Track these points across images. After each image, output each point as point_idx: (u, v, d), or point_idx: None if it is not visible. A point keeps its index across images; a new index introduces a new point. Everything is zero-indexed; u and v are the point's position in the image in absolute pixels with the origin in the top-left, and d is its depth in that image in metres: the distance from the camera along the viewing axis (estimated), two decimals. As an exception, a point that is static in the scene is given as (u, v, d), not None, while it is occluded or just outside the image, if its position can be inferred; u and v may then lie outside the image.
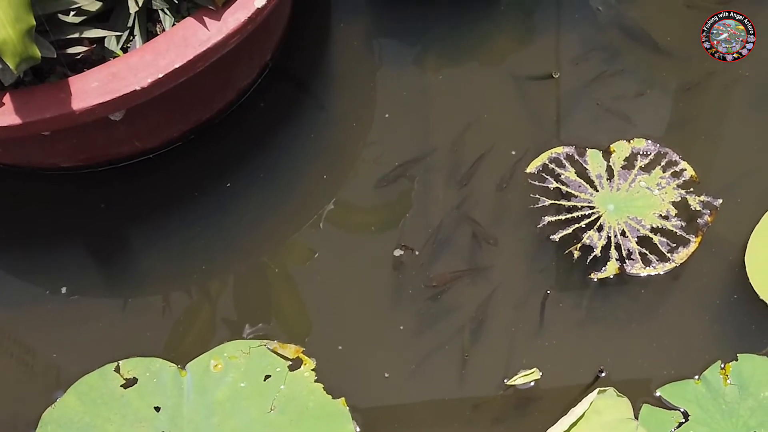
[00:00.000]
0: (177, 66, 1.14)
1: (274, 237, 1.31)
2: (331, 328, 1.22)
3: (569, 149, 1.32)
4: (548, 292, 1.23)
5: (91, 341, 1.23)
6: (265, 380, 1.17)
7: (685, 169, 1.30)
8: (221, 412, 1.15)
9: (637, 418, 1.12)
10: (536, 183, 1.30)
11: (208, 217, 1.31)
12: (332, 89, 1.43)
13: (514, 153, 1.34)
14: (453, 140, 1.36)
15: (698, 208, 1.27)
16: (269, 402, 1.15)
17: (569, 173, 1.30)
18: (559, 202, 1.28)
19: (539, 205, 1.28)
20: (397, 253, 1.26)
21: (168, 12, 1.20)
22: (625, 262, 1.23)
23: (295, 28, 1.47)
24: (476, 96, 1.40)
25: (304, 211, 1.32)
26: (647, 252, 1.23)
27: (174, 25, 1.19)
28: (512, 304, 1.22)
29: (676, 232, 1.25)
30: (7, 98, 1.12)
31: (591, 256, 1.23)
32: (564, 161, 1.32)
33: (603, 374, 1.17)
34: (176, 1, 1.20)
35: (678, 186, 1.28)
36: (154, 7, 1.20)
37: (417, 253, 1.27)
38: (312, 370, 1.17)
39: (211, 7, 1.17)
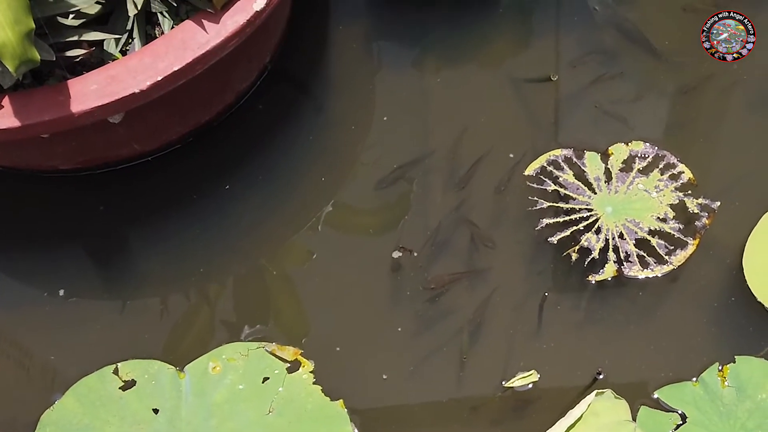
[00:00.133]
0: (176, 69, 1.14)
1: (272, 239, 1.31)
2: (330, 330, 1.22)
3: (567, 152, 1.33)
4: (546, 294, 1.23)
5: (89, 343, 1.23)
6: (263, 382, 1.17)
7: (683, 172, 1.30)
8: (220, 414, 1.15)
9: (634, 420, 1.12)
10: (534, 185, 1.30)
11: (207, 219, 1.31)
12: (331, 91, 1.43)
13: (512, 155, 1.34)
14: (452, 142, 1.36)
15: (696, 211, 1.27)
16: (268, 404, 1.15)
17: (567, 176, 1.30)
18: (557, 205, 1.28)
19: (537, 208, 1.28)
20: (396, 254, 1.27)
21: (167, 15, 1.20)
22: (623, 265, 1.23)
23: (294, 30, 1.47)
24: (475, 98, 1.40)
25: (302, 213, 1.32)
26: (645, 254, 1.23)
27: (173, 28, 1.19)
28: (510, 306, 1.23)
29: (673, 235, 1.25)
30: (6, 101, 1.12)
31: (589, 259, 1.24)
32: (562, 164, 1.32)
33: (601, 376, 1.17)
34: (175, 4, 1.20)
35: (676, 188, 1.29)
36: (153, 10, 1.20)
37: (415, 254, 1.27)
38: (310, 372, 1.17)
39: (209, 10, 1.17)
